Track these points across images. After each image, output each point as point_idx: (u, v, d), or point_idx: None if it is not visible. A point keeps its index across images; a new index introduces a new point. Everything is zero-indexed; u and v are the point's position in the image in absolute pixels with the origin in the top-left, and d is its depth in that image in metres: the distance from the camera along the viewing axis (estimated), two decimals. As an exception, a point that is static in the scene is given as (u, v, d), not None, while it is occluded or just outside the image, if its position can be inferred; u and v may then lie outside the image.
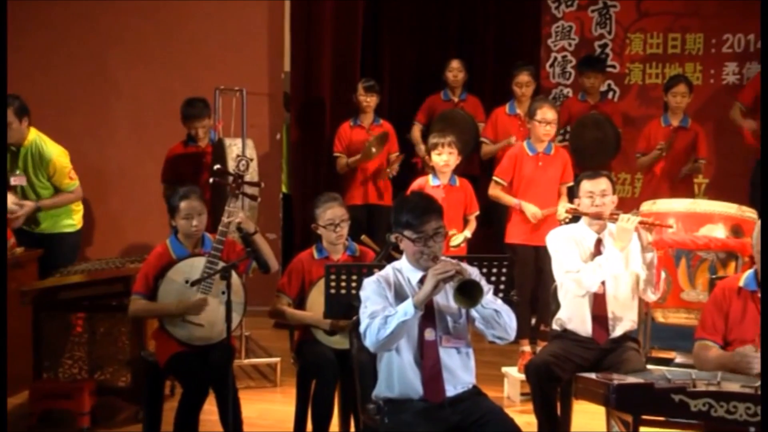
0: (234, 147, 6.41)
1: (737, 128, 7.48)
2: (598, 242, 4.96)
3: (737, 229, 5.76)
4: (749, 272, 4.32)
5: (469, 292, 3.74)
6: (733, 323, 4.24)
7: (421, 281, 3.92)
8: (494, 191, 6.61)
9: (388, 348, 3.88)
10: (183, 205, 5.00)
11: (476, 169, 7.99)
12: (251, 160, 5.86)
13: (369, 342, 3.84)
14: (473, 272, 4.01)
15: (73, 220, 6.54)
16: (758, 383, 3.72)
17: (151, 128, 8.30)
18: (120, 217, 8.44)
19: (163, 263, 4.99)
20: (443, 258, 3.94)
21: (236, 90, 6.95)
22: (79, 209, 6.59)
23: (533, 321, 6.74)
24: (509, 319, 3.93)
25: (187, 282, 4.92)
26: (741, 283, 4.29)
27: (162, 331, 5.00)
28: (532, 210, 6.38)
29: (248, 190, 5.22)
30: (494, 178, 6.63)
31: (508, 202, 6.52)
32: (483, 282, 3.97)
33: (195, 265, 4.94)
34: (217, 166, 5.40)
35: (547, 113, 6.38)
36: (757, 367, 4.01)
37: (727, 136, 7.84)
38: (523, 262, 6.39)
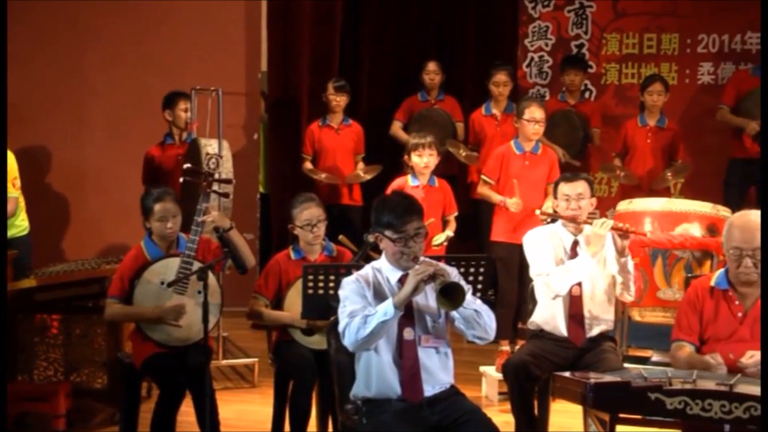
0: (209, 147, 6.39)
1: (731, 127, 7.47)
2: (575, 244, 4.97)
3: (713, 227, 5.80)
4: (720, 271, 4.35)
5: (451, 295, 3.75)
6: (707, 322, 4.27)
7: (401, 281, 3.93)
8: (482, 189, 6.62)
9: (367, 348, 3.88)
10: (157, 207, 4.98)
11: (454, 168, 8.01)
12: (221, 157, 5.84)
13: (348, 341, 3.84)
14: (452, 272, 4.01)
15: (19, 224, 6.46)
16: (733, 380, 3.74)
17: (128, 128, 8.27)
18: (97, 218, 8.40)
19: (138, 265, 4.97)
20: (423, 258, 3.94)
21: (212, 90, 6.93)
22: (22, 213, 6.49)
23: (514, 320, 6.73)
24: (489, 320, 3.94)
25: (162, 283, 4.90)
26: (713, 283, 4.32)
27: (138, 332, 4.97)
28: (514, 200, 6.35)
29: (220, 187, 5.20)
30: (482, 176, 6.64)
31: (493, 199, 6.52)
32: (463, 282, 3.98)
33: (170, 266, 4.91)
34: (186, 165, 5.39)
35: (535, 112, 6.38)
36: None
37: (703, 136, 7.88)
38: (507, 260, 6.38)
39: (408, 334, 3.93)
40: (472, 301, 3.93)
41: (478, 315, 3.90)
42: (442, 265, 3.94)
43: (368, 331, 3.78)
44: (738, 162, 7.43)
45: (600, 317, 4.93)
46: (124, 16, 8.37)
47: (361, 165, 7.77)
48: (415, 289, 3.78)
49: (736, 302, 4.23)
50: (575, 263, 4.84)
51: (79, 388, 5.62)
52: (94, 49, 8.37)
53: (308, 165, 7.75)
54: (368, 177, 7.61)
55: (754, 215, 4.25)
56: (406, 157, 6.53)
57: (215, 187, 5.10)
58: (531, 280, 5.12)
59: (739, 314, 4.22)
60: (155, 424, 4.77)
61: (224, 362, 6.68)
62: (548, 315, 4.96)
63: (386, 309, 3.78)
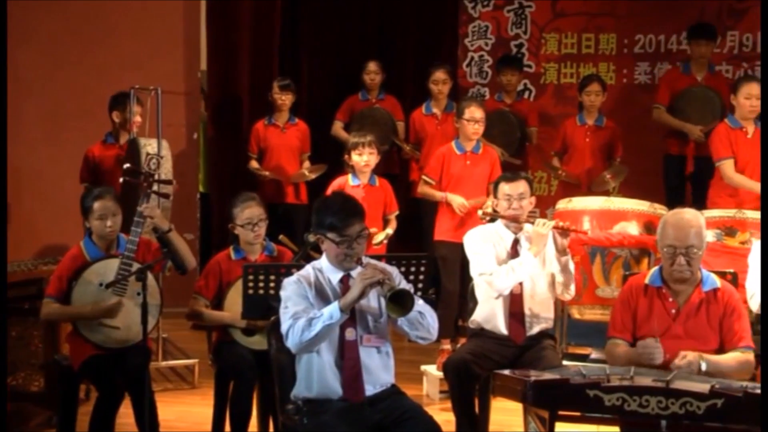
0: (149, 147, 6.34)
1: (668, 128, 7.55)
2: (515, 242, 5.01)
3: (650, 225, 5.88)
4: (654, 269, 4.42)
5: (401, 301, 3.77)
6: (641, 321, 4.32)
7: (342, 281, 3.94)
8: (423, 188, 6.65)
9: (310, 350, 3.88)
10: (96, 205, 4.91)
11: (395, 167, 8.03)
12: (161, 158, 5.79)
13: (291, 343, 3.83)
14: (393, 271, 4.02)
15: None
16: (669, 377, 3.80)
17: (65, 127, 8.15)
18: (34, 219, 8.27)
19: (78, 265, 4.90)
20: (368, 260, 3.95)
21: (151, 89, 6.86)
22: None
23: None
24: (432, 320, 3.96)
25: (101, 285, 4.83)
26: (647, 280, 4.38)
27: (76, 334, 4.90)
28: (458, 201, 6.39)
29: (160, 188, 5.15)
30: (423, 176, 6.67)
31: (436, 196, 6.54)
32: (404, 283, 3.99)
33: (110, 267, 4.85)
34: (126, 165, 5.34)
35: (475, 112, 6.42)
36: (659, 357, 4.11)
37: (641, 135, 7.97)
38: (450, 259, 6.40)
39: (350, 334, 3.94)
40: (416, 302, 3.94)
41: (422, 316, 3.92)
42: (387, 266, 3.95)
43: (313, 334, 3.78)
44: (673, 159, 7.51)
45: (540, 315, 4.97)
46: (59, 13, 8.24)
47: (306, 164, 7.76)
48: (362, 294, 3.80)
49: (670, 299, 4.30)
50: (518, 263, 4.87)
51: (16, 391, 5.54)
52: (29, 48, 8.21)
53: (254, 164, 7.74)
54: (314, 176, 7.59)
55: (688, 213, 4.32)
56: (346, 156, 6.53)
57: (155, 187, 5.05)
58: (472, 279, 5.16)
59: (673, 311, 4.29)
60: (94, 427, 4.72)
61: (164, 363, 6.62)
62: (488, 313, 4.98)
63: (332, 312, 3.79)
